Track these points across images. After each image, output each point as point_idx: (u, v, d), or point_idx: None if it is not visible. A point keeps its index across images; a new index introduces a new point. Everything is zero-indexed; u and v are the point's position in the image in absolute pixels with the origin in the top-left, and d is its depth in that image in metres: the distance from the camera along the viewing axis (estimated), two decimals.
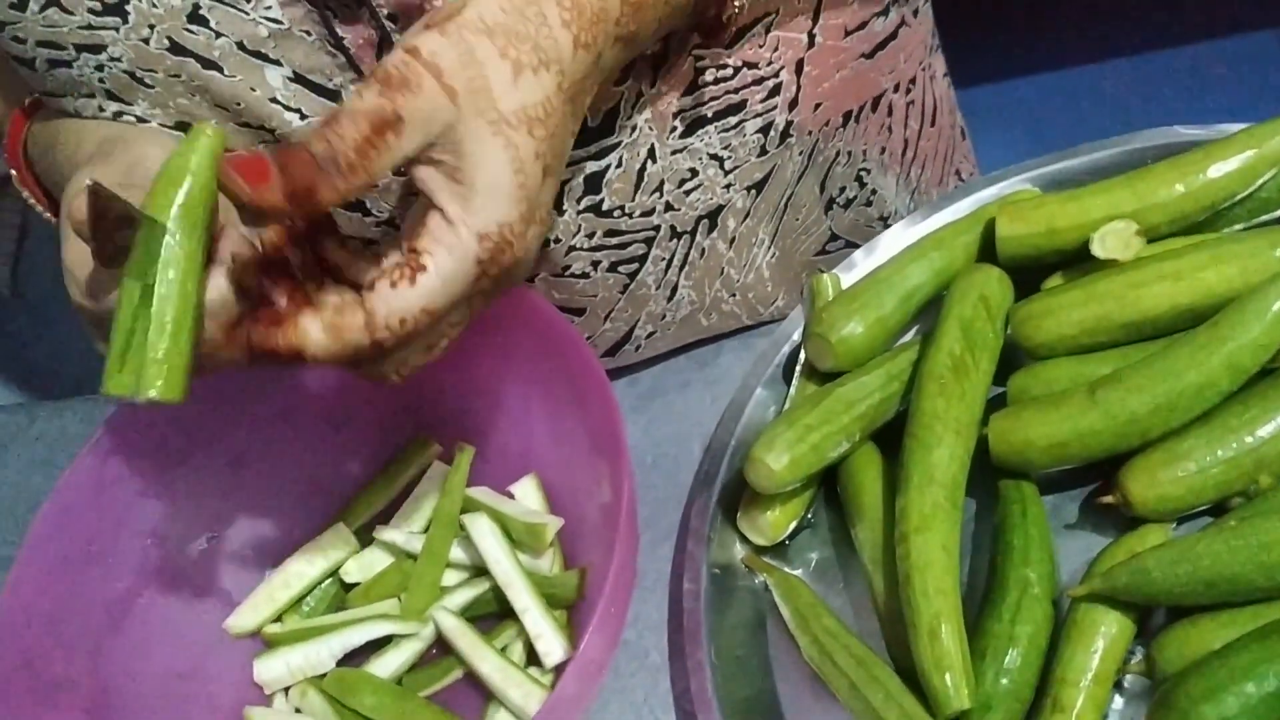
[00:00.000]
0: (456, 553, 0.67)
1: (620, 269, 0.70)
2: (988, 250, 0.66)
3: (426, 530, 0.69)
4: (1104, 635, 0.52)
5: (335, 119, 0.45)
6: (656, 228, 0.69)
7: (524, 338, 0.65)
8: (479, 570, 0.66)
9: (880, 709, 0.53)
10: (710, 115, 0.66)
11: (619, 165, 0.65)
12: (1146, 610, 0.54)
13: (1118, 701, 0.53)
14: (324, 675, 0.66)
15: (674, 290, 0.72)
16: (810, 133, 0.70)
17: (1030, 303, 0.62)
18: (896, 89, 0.74)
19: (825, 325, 0.64)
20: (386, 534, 0.69)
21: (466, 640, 0.62)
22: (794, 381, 0.67)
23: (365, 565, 0.69)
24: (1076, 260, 0.63)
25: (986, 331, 0.61)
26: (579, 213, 0.66)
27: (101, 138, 0.57)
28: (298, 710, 0.65)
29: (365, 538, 0.71)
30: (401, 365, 0.50)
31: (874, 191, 0.77)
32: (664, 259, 0.70)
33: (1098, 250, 0.61)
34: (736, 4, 0.58)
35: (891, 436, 0.61)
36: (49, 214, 0.67)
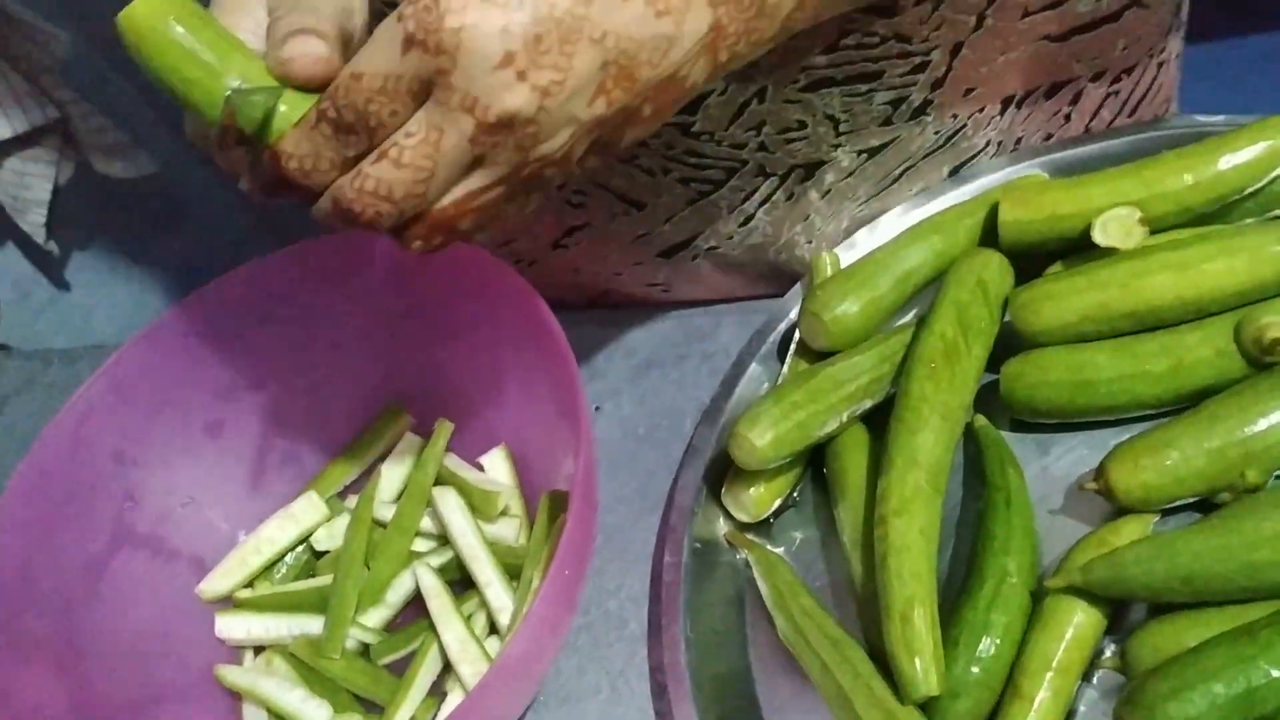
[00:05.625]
0: (424, 522, 0.73)
1: (692, 185, 0.72)
2: (990, 235, 0.70)
3: (396, 500, 0.75)
4: (1073, 626, 0.56)
5: None
6: (744, 161, 0.71)
7: (498, 310, 0.70)
8: (444, 539, 0.72)
9: (849, 690, 0.57)
10: (839, 78, 0.67)
11: (721, 93, 0.67)
12: (1126, 605, 0.59)
13: (1091, 696, 0.58)
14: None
15: (749, 219, 0.75)
16: (955, 116, 0.71)
17: (1030, 288, 0.66)
18: (1097, 78, 0.73)
19: (819, 303, 0.69)
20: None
21: (439, 602, 0.68)
22: (787, 359, 0.72)
23: (336, 533, 0.76)
24: (1080, 249, 0.67)
25: (982, 316, 0.66)
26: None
27: None
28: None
29: (336, 506, 0.77)
30: (359, 178, 0.49)
31: None
32: (743, 190, 0.73)
33: (1099, 237, 0.65)
34: None
35: (882, 420, 0.65)
36: None
